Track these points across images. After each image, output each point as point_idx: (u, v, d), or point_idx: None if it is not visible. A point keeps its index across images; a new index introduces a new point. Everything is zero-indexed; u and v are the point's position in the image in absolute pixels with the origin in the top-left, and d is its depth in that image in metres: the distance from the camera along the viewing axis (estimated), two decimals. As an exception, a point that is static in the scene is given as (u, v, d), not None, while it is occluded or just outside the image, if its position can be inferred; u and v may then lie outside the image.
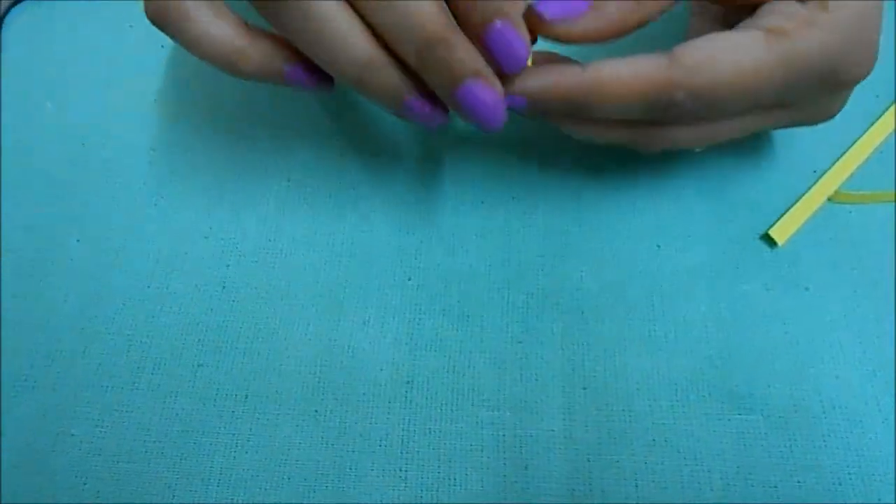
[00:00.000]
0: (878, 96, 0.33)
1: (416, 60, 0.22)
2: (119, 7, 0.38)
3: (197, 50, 0.25)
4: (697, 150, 0.30)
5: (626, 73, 0.22)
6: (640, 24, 0.23)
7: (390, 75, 0.23)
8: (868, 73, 0.24)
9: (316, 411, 0.28)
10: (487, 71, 0.22)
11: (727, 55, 0.22)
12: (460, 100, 0.22)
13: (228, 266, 0.31)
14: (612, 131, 0.25)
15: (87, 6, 0.38)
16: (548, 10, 0.22)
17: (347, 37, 0.22)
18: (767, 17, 0.23)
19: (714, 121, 0.24)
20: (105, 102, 0.35)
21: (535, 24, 0.23)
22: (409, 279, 0.30)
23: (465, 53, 0.21)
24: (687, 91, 0.22)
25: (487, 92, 0.22)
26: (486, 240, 0.30)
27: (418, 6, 0.21)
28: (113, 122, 0.34)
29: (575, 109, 0.23)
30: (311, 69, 0.25)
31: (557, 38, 0.23)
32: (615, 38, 0.23)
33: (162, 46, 0.37)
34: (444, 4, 0.22)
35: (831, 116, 0.26)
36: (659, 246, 0.30)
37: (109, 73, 0.36)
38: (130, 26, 0.37)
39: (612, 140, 0.26)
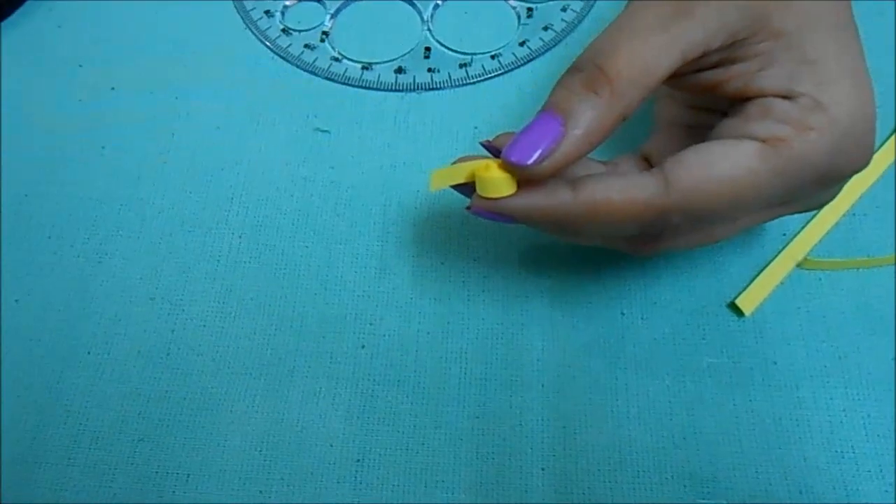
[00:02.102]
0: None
1: None
2: (69, 47, 0.36)
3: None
4: None
5: (619, 200, 0.21)
6: (616, 125, 0.22)
7: None
8: (867, 164, 0.22)
9: (260, 492, 0.26)
10: None
11: (723, 173, 0.21)
12: None
13: (174, 331, 0.29)
14: (603, 242, 0.25)
15: (40, 47, 0.36)
16: (520, 156, 0.21)
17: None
18: (758, 122, 0.21)
19: (707, 231, 0.24)
20: (50, 152, 0.33)
21: (516, 174, 0.22)
22: (363, 347, 0.29)
23: None
24: (683, 214, 0.21)
25: None
26: (444, 305, 0.29)
27: None
28: (57, 172, 0.33)
29: (563, 230, 0.23)
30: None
31: (544, 176, 0.22)
32: (597, 147, 0.22)
33: (112, 88, 0.35)
34: None
35: (826, 203, 0.25)
36: (622, 314, 0.29)
37: (56, 119, 0.34)
38: (80, 66, 0.36)
39: (602, 246, 0.26)
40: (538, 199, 0.22)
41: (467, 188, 0.23)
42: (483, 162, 0.23)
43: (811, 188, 0.22)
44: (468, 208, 0.23)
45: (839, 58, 0.21)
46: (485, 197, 0.22)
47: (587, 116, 0.21)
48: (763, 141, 0.21)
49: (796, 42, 0.21)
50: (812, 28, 0.21)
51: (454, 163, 0.24)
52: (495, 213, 0.22)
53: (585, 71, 0.21)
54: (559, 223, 0.22)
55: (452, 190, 0.25)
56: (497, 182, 0.22)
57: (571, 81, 0.21)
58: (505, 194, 0.22)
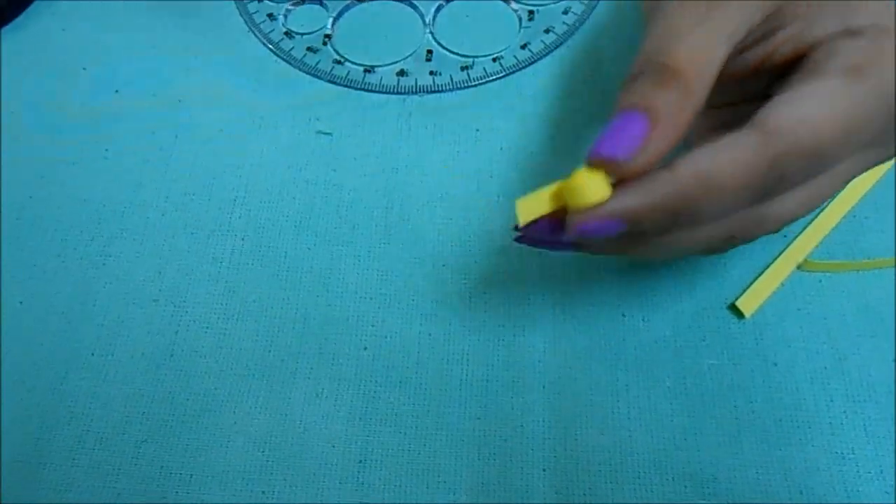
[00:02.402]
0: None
1: None
2: (72, 49, 0.37)
3: None
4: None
5: (727, 162, 0.20)
6: (693, 118, 0.21)
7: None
8: None
9: (263, 492, 0.26)
10: None
11: (819, 105, 0.20)
12: None
13: (177, 333, 0.29)
14: (706, 234, 0.22)
15: (44, 50, 0.37)
16: (613, 150, 0.20)
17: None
18: (829, 61, 0.21)
19: (816, 186, 0.22)
20: (53, 154, 0.33)
21: (611, 170, 0.20)
22: (365, 348, 0.29)
23: None
24: (796, 155, 0.20)
25: None
26: (446, 307, 0.29)
27: None
28: (61, 176, 0.33)
29: (675, 218, 0.21)
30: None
31: (640, 170, 0.20)
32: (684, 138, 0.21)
33: (116, 91, 0.35)
34: None
35: None
36: (624, 315, 0.29)
37: (58, 123, 0.34)
38: (84, 69, 0.36)
39: (705, 247, 0.23)
40: (641, 193, 0.20)
41: (549, 229, 0.22)
42: (560, 183, 0.21)
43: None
44: (519, 238, 0.23)
45: None
46: (582, 206, 0.20)
47: (668, 109, 0.20)
48: (843, 72, 0.20)
49: None
50: None
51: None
52: (597, 222, 0.20)
53: (648, 72, 0.21)
54: (671, 212, 0.20)
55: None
56: (591, 185, 0.20)
57: (640, 83, 0.21)
58: (601, 199, 0.20)
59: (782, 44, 0.22)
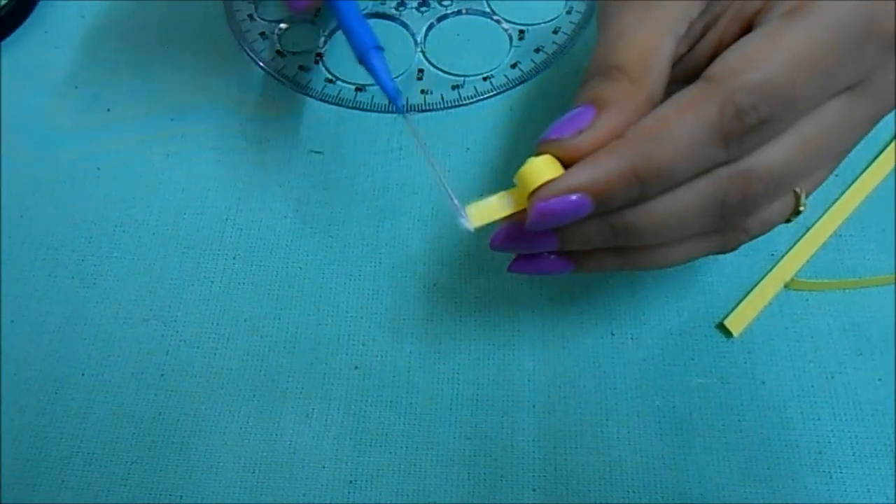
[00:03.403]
0: (836, 175, 0.32)
1: None
2: (64, 67, 0.37)
3: None
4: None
5: (673, 111, 0.19)
6: (646, 107, 0.21)
7: None
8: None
9: (253, 514, 0.26)
10: None
11: (762, 46, 0.20)
12: None
13: (168, 352, 0.29)
14: (691, 201, 0.21)
15: (36, 68, 0.37)
16: (559, 132, 0.20)
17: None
18: (766, 14, 0.21)
19: (798, 124, 0.21)
20: (44, 173, 0.33)
21: (557, 150, 0.20)
22: (356, 368, 0.29)
23: None
24: (748, 94, 0.19)
25: None
26: (436, 325, 0.30)
27: None
28: (52, 194, 0.33)
29: (642, 184, 0.20)
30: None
31: (587, 150, 0.20)
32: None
33: (108, 110, 0.35)
34: None
35: None
36: (613, 334, 0.29)
37: (50, 141, 0.34)
38: (76, 87, 0.36)
39: (699, 222, 0.22)
40: (594, 161, 0.20)
41: (517, 236, 0.22)
42: (520, 170, 0.21)
43: (861, 50, 0.21)
44: (511, 266, 0.23)
45: None
46: (536, 189, 0.20)
47: (615, 96, 0.20)
48: (782, 17, 0.20)
49: None
50: None
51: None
52: (556, 197, 0.20)
53: (598, 74, 0.21)
54: (629, 174, 0.20)
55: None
56: (541, 166, 0.20)
57: (587, 84, 0.21)
58: (554, 176, 0.20)
59: (728, 25, 0.22)
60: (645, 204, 0.21)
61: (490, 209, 0.21)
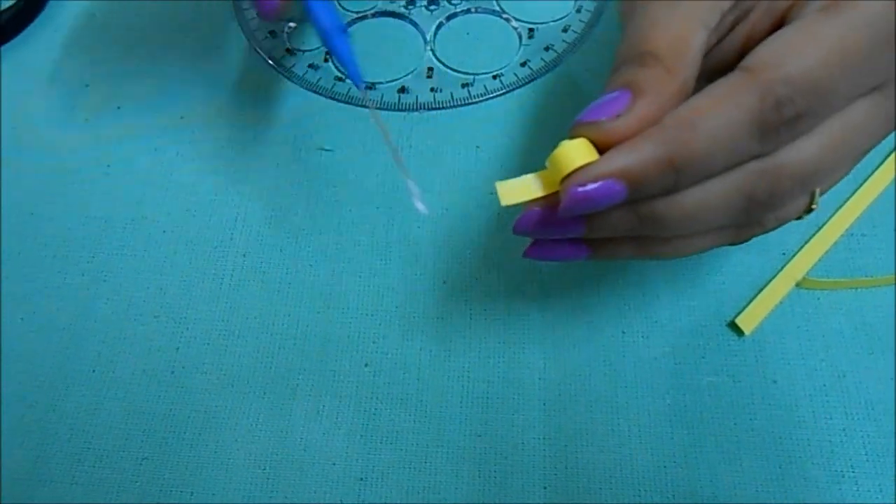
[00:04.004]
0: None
1: None
2: (74, 66, 0.37)
3: None
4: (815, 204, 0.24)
5: (712, 102, 0.19)
6: (680, 96, 0.21)
7: None
8: None
9: (264, 511, 0.26)
10: None
11: (801, 40, 0.20)
12: None
13: (178, 349, 0.29)
14: (720, 192, 0.21)
15: (47, 67, 0.37)
16: (595, 114, 0.20)
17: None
18: (805, 9, 0.21)
19: (828, 121, 0.21)
20: (55, 171, 0.34)
21: (593, 133, 0.20)
22: (366, 365, 0.29)
23: None
24: (788, 86, 0.19)
25: None
26: (446, 323, 0.29)
27: None
28: (62, 192, 0.33)
29: (677, 174, 0.19)
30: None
31: (625, 134, 0.20)
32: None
33: (118, 108, 0.35)
34: None
35: None
36: (623, 332, 0.29)
37: (60, 139, 0.35)
38: (86, 86, 0.36)
39: (723, 214, 0.21)
40: (633, 149, 0.19)
41: (546, 222, 0.21)
42: (553, 152, 0.20)
43: (892, 50, 0.21)
44: (527, 251, 0.23)
45: None
46: (571, 172, 0.19)
47: (651, 83, 0.20)
48: (819, 11, 0.20)
49: None
50: None
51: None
52: (591, 184, 0.19)
53: (629, 61, 0.21)
54: (666, 163, 0.19)
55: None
56: (576, 149, 0.19)
57: (622, 70, 0.21)
58: (589, 161, 0.19)
59: (759, 20, 0.22)
60: (675, 195, 0.21)
61: (521, 189, 0.20)
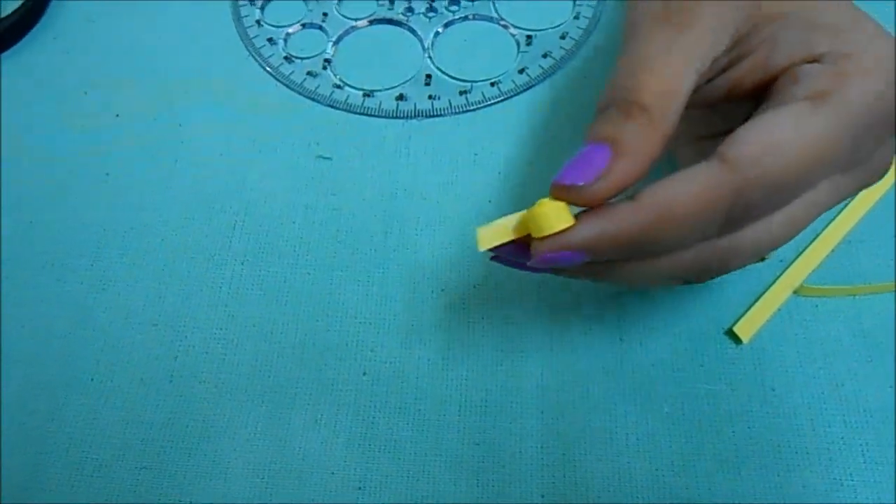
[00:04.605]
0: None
1: None
2: (73, 73, 0.37)
3: None
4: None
5: (686, 193, 0.20)
6: (663, 147, 0.21)
7: None
8: None
9: (262, 520, 0.26)
10: None
11: (783, 132, 0.20)
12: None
13: (176, 358, 0.29)
14: (674, 264, 0.22)
15: (45, 74, 0.37)
16: (573, 177, 0.20)
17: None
18: (793, 87, 0.21)
19: (787, 214, 0.22)
20: (53, 178, 0.34)
21: (570, 197, 0.20)
22: (364, 374, 0.29)
23: None
24: (759, 186, 0.20)
25: None
26: (444, 331, 0.29)
27: None
28: (61, 199, 0.33)
29: (638, 247, 0.21)
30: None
31: (600, 198, 0.20)
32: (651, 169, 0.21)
33: (117, 115, 0.35)
34: None
35: (885, 172, 0.24)
36: (621, 340, 0.29)
37: (59, 146, 0.35)
38: (85, 93, 0.36)
39: (678, 277, 0.23)
40: (601, 222, 0.20)
41: (517, 252, 0.22)
42: (526, 211, 0.21)
43: (872, 137, 0.21)
44: (494, 257, 0.23)
45: (843, 13, 0.22)
46: (544, 237, 0.20)
47: (634, 139, 0.20)
48: (807, 99, 0.20)
49: (797, 16, 0.22)
50: (805, 1, 0.22)
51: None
52: (558, 251, 0.20)
53: (616, 106, 0.21)
54: (633, 241, 0.20)
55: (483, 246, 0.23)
56: (552, 214, 0.20)
57: (604, 116, 0.21)
58: (563, 227, 0.20)
59: (750, 71, 0.23)
60: (627, 262, 0.22)
61: (498, 233, 0.22)
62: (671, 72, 0.21)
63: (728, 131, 0.24)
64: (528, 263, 0.21)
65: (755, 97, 0.23)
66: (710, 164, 0.20)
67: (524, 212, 0.21)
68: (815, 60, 0.21)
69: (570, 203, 0.20)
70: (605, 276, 0.23)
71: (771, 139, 0.20)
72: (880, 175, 0.23)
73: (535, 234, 0.21)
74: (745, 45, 0.23)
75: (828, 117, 0.20)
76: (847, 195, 0.23)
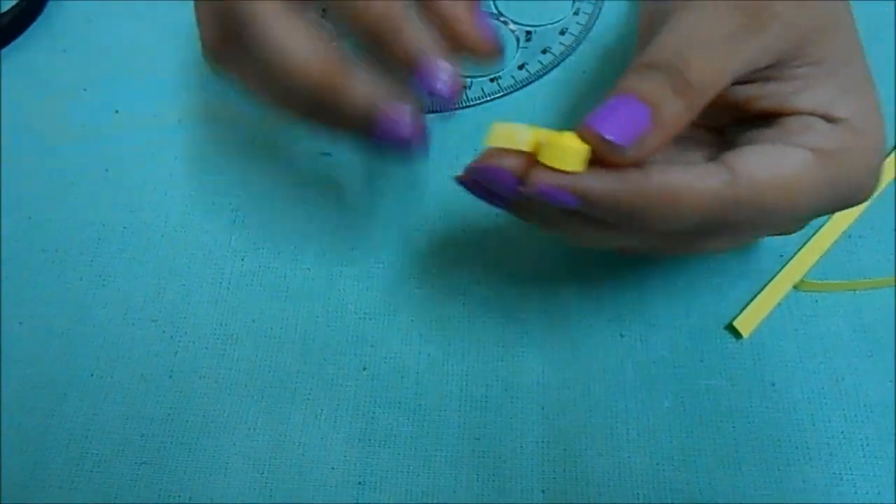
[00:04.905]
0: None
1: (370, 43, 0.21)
2: (72, 69, 0.37)
3: (283, 76, 0.22)
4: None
5: (693, 187, 0.20)
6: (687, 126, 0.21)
7: (357, 82, 0.22)
8: (867, 199, 0.24)
9: (262, 515, 0.26)
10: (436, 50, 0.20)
11: (789, 174, 0.21)
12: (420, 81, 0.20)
13: (176, 353, 0.29)
14: (637, 239, 0.23)
15: (44, 70, 0.37)
16: (616, 133, 0.20)
17: (300, 38, 0.22)
18: (804, 136, 0.22)
19: (746, 233, 0.24)
20: (53, 175, 0.34)
21: (603, 150, 0.20)
22: (364, 369, 0.29)
23: (416, 32, 0.20)
24: (749, 209, 0.21)
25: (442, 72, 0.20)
26: (446, 327, 0.29)
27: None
28: (61, 196, 0.33)
29: (626, 217, 0.21)
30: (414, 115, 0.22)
31: (628, 162, 0.20)
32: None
33: (116, 112, 0.35)
34: None
35: (792, 233, 0.26)
36: (622, 336, 0.29)
37: (58, 143, 0.35)
38: (84, 89, 0.36)
39: (623, 247, 0.24)
40: (612, 182, 0.20)
41: (497, 176, 0.22)
42: (548, 130, 0.21)
43: (833, 207, 0.23)
44: (462, 180, 0.23)
45: (866, 92, 0.23)
46: (552, 168, 0.20)
47: (669, 114, 0.20)
48: (813, 151, 0.21)
49: (835, 71, 0.22)
50: (847, 59, 0.23)
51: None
52: (558, 188, 0.20)
53: (666, 71, 0.21)
54: (628, 210, 0.21)
55: (466, 190, 0.24)
56: (572, 154, 0.20)
57: (653, 77, 0.21)
58: (572, 169, 0.20)
59: (769, 96, 0.23)
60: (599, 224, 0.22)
61: (510, 138, 0.21)
62: (726, 65, 0.21)
63: (710, 126, 0.24)
64: (521, 189, 0.21)
65: (756, 118, 0.23)
66: (720, 170, 0.21)
67: (541, 130, 0.21)
68: (832, 120, 0.22)
69: (596, 151, 0.20)
70: (569, 230, 0.23)
71: (778, 173, 0.21)
72: (794, 232, 0.26)
73: (545, 161, 0.20)
74: (778, 71, 0.22)
75: (825, 175, 0.21)
76: (782, 234, 0.25)
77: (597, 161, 0.21)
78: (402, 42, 0.21)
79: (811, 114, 0.22)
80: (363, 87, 0.22)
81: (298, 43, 0.22)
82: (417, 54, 0.21)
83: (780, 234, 0.26)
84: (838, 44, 0.23)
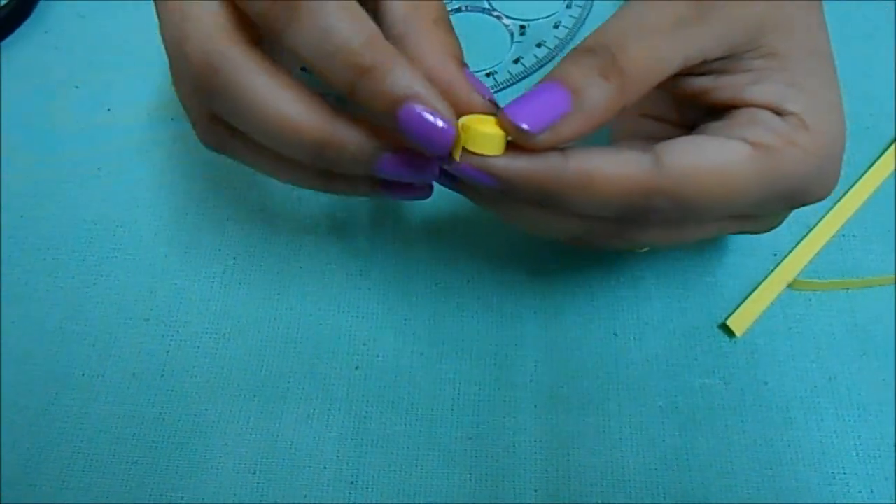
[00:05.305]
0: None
1: (349, 91, 0.20)
2: (64, 67, 0.37)
3: (270, 140, 0.22)
4: (644, 249, 0.29)
5: (612, 172, 0.21)
6: (616, 115, 0.21)
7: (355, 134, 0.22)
8: (828, 195, 0.23)
9: (254, 515, 0.26)
10: (428, 92, 0.20)
11: (715, 165, 0.21)
12: (403, 123, 0.20)
13: (168, 352, 0.29)
14: (569, 224, 0.23)
15: (37, 68, 0.37)
16: (527, 121, 0.20)
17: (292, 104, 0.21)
18: (748, 128, 0.22)
19: (682, 226, 0.23)
20: (45, 173, 0.33)
21: (515, 137, 0.21)
22: (357, 368, 0.29)
23: (400, 75, 0.20)
24: (670, 198, 0.21)
25: (428, 114, 0.20)
26: (439, 325, 0.29)
27: (339, 29, 0.20)
28: (53, 194, 0.33)
29: (546, 198, 0.21)
30: (411, 159, 0.22)
31: (541, 147, 0.21)
32: (596, 130, 0.21)
33: (109, 110, 0.35)
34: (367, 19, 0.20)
35: (773, 229, 0.26)
36: (615, 335, 0.29)
37: (50, 141, 0.34)
38: (76, 87, 0.36)
39: (564, 233, 0.24)
40: (529, 163, 0.21)
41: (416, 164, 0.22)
42: (475, 116, 0.21)
43: (780, 204, 0.23)
44: (447, 164, 0.22)
45: (824, 89, 0.22)
46: (472, 151, 0.21)
47: (595, 99, 0.20)
48: (752, 145, 0.21)
49: (789, 65, 0.22)
50: (804, 55, 0.22)
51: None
52: (479, 171, 0.21)
53: (598, 55, 0.21)
54: (545, 192, 0.21)
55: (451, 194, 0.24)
56: (490, 139, 0.21)
57: (583, 61, 0.21)
58: (492, 153, 0.21)
59: (723, 88, 0.23)
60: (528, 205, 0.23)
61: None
62: (665, 54, 0.21)
63: (668, 118, 0.25)
64: (446, 166, 0.22)
65: (710, 107, 0.23)
66: (643, 157, 0.21)
67: (470, 116, 0.22)
68: (780, 113, 0.22)
69: (511, 137, 0.21)
70: (507, 212, 0.24)
71: (703, 164, 0.21)
72: (765, 230, 0.25)
73: (466, 145, 0.21)
74: (732, 63, 0.22)
75: (759, 169, 0.21)
76: (738, 232, 0.25)
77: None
78: (385, 94, 0.20)
79: (762, 107, 0.22)
80: (364, 136, 0.22)
81: (291, 104, 0.21)
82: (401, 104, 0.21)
83: (755, 232, 0.25)
84: (796, 39, 0.22)
